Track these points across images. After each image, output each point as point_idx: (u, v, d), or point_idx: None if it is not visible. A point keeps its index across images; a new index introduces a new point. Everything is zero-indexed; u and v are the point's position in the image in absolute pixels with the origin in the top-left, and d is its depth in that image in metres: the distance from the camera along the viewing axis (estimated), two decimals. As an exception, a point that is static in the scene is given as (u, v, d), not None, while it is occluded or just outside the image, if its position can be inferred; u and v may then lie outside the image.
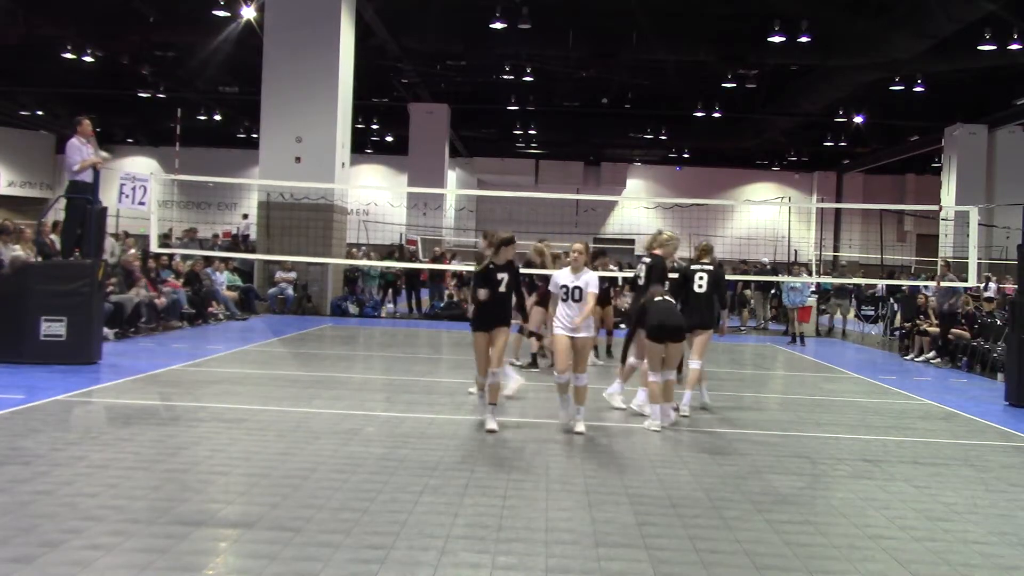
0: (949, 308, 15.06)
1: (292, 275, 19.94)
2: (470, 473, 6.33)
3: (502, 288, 7.90)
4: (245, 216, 28.06)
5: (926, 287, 17.49)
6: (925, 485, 6.64)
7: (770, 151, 39.63)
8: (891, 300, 21.30)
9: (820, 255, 28.86)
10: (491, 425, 7.76)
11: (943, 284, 15.53)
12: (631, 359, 9.02)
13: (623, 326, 20.10)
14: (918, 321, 16.15)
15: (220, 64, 24.80)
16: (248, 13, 19.57)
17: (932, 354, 15.21)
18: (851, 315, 21.99)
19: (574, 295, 7.88)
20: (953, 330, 15.29)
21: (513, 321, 8.46)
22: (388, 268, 20.75)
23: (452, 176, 37.91)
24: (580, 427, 7.83)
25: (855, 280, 21.84)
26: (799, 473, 6.86)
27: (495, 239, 7.95)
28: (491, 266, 7.91)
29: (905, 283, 21.46)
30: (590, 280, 7.96)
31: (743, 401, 9.80)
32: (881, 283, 22.15)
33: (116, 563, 4.32)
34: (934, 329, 15.51)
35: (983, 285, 18.72)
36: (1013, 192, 26.52)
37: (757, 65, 24.97)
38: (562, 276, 8.04)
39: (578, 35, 22.73)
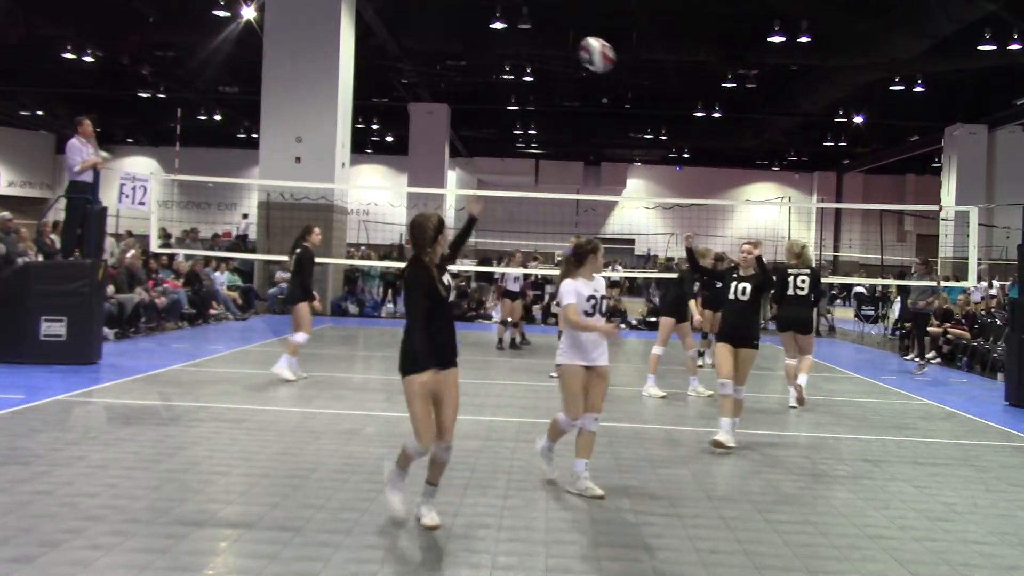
0: (924, 307, 14.91)
1: (292, 275, 19.94)
2: (470, 473, 6.33)
3: (452, 296, 5.31)
4: (245, 216, 28.07)
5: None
6: (925, 485, 6.64)
7: (770, 151, 39.63)
8: (899, 299, 21.25)
9: (820, 255, 28.86)
10: (429, 520, 5.05)
11: (920, 283, 15.42)
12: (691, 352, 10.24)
13: (623, 326, 20.21)
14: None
15: (220, 64, 24.79)
16: (248, 13, 19.57)
17: (932, 354, 15.20)
18: (835, 314, 22.11)
19: (601, 307, 6.11)
20: (952, 329, 15.30)
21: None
22: (388, 268, 20.76)
23: (452, 176, 37.90)
24: (587, 483, 5.90)
25: (838, 279, 21.86)
26: (799, 473, 6.86)
27: (430, 223, 5.11)
28: (429, 264, 5.07)
29: (907, 283, 21.43)
30: (603, 286, 6.24)
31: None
32: (854, 282, 22.13)
33: (116, 563, 4.32)
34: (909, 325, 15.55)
35: (985, 284, 18.72)
36: (1013, 192, 26.52)
37: (757, 65, 24.96)
38: (581, 285, 6.02)
39: (578, 35, 22.54)
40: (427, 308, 4.99)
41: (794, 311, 9.77)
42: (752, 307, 7.79)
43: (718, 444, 7.40)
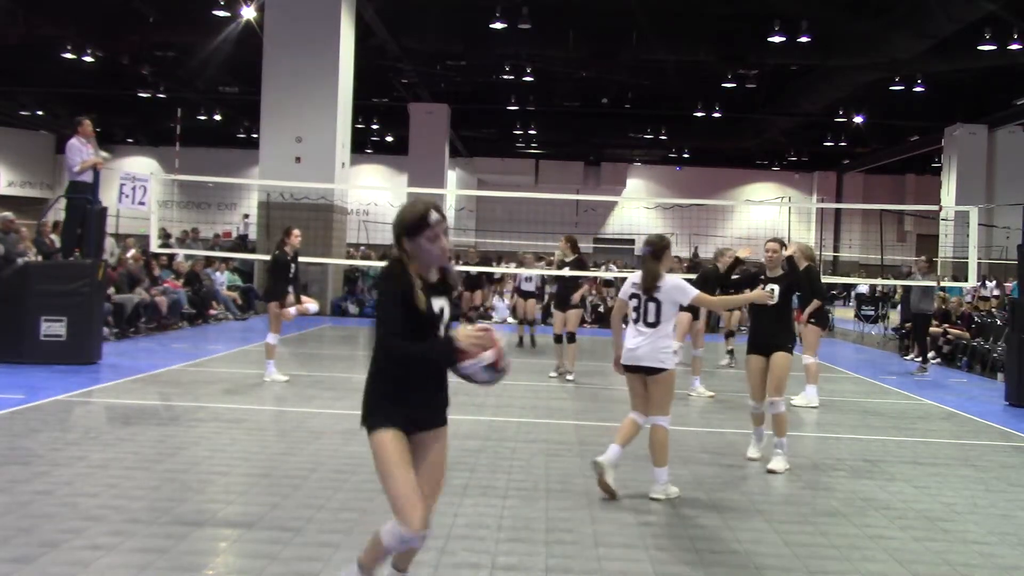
0: (923, 308, 14.84)
1: (292, 275, 19.95)
2: (470, 473, 6.33)
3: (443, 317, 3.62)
4: (246, 216, 28.05)
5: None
6: (925, 485, 6.64)
7: (770, 151, 39.61)
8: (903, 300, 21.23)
9: (820, 255, 28.85)
10: None
11: (921, 283, 15.35)
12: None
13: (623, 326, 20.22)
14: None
15: (220, 64, 24.79)
16: (248, 13, 19.56)
17: (932, 354, 15.19)
18: (835, 314, 22.08)
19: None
20: (952, 330, 15.29)
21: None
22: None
23: (452, 176, 37.90)
24: (669, 492, 6.02)
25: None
26: (799, 473, 6.86)
27: (412, 211, 3.53)
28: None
29: (909, 283, 21.45)
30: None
31: (744, 401, 9.80)
32: (854, 282, 22.10)
33: (116, 563, 4.32)
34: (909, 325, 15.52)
35: (981, 284, 18.69)
36: (1013, 192, 26.52)
37: (757, 65, 24.96)
38: None
39: (578, 35, 22.72)
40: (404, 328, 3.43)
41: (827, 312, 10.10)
42: (782, 311, 7.17)
43: (750, 459, 7.19)
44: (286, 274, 10.40)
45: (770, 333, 7.11)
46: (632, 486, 6.17)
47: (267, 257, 18.73)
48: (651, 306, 5.99)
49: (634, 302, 6.09)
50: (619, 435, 6.08)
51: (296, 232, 10.64)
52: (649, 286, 6.02)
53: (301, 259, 11.00)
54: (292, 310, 10.39)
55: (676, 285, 6.04)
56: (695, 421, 9.03)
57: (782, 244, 7.33)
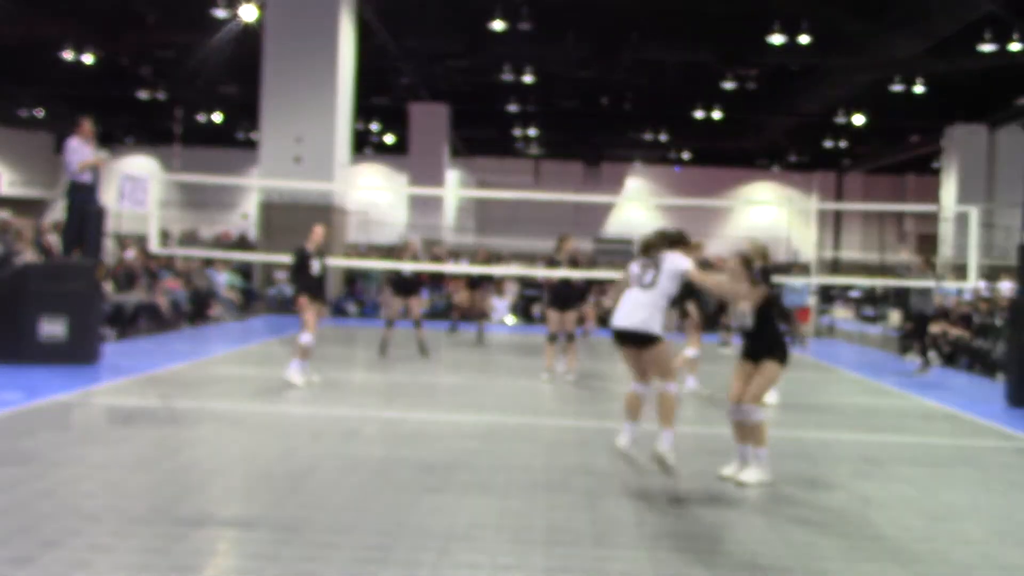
0: (922, 308, 14.77)
1: (292, 275, 19.97)
2: (470, 473, 6.33)
3: None
4: (244, 216, 28.08)
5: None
6: (925, 485, 6.64)
7: (770, 151, 39.62)
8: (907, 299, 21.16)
9: (819, 255, 28.91)
10: None
11: (921, 283, 15.29)
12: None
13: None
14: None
15: (220, 64, 24.79)
16: (248, 13, 19.57)
17: (933, 354, 15.17)
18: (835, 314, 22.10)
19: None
20: (952, 329, 15.29)
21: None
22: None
23: (452, 176, 37.93)
24: (664, 447, 6.17)
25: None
26: (799, 473, 6.86)
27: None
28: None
29: (908, 284, 21.42)
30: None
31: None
32: (850, 283, 22.11)
33: (116, 563, 4.32)
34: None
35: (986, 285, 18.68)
36: (1014, 192, 26.51)
37: (757, 65, 24.97)
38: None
39: (578, 35, 22.73)
40: None
41: None
42: (762, 327, 6.45)
43: (724, 478, 6.43)
44: (302, 266, 10.25)
45: (757, 344, 6.55)
46: (631, 485, 6.18)
47: (267, 258, 18.91)
48: (650, 272, 6.29)
49: (635, 268, 6.36)
50: (627, 413, 6.33)
51: (317, 229, 10.51)
52: (646, 251, 6.40)
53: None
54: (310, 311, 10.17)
55: (677, 255, 6.36)
56: (694, 421, 9.02)
57: (746, 262, 6.56)
